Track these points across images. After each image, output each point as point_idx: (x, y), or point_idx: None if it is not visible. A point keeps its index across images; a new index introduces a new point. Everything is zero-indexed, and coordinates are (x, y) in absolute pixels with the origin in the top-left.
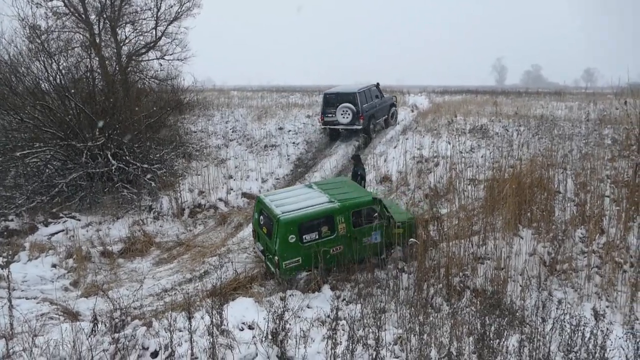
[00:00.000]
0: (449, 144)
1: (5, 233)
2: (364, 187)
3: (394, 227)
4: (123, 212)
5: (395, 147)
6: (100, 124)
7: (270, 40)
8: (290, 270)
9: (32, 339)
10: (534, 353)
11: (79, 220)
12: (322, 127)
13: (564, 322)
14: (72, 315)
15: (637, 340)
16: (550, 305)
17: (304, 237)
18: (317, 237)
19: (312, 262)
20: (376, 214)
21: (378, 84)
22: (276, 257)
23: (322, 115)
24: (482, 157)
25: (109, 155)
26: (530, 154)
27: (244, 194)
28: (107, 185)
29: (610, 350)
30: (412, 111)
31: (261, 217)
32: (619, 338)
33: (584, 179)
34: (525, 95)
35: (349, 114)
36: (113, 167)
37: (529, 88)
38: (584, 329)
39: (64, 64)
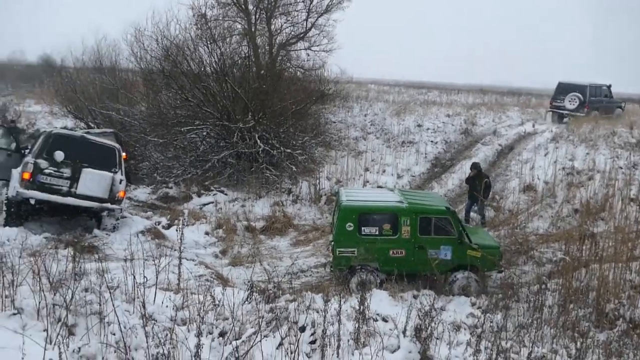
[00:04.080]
0: (610, 157)
1: (165, 199)
2: (488, 197)
3: (468, 247)
4: (265, 192)
5: (545, 155)
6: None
7: (398, 38)
8: (343, 260)
9: (205, 295)
10: None
11: (226, 194)
12: (549, 110)
13: None
14: (224, 281)
15: None
16: None
17: (362, 228)
18: (377, 232)
19: (368, 257)
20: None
21: (610, 85)
22: (332, 242)
23: (551, 100)
24: None
25: (256, 138)
26: None
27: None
28: (252, 165)
29: None
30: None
31: (336, 208)
32: None
33: None
34: None
35: (576, 102)
36: (260, 149)
37: None
38: None
39: (225, 50)
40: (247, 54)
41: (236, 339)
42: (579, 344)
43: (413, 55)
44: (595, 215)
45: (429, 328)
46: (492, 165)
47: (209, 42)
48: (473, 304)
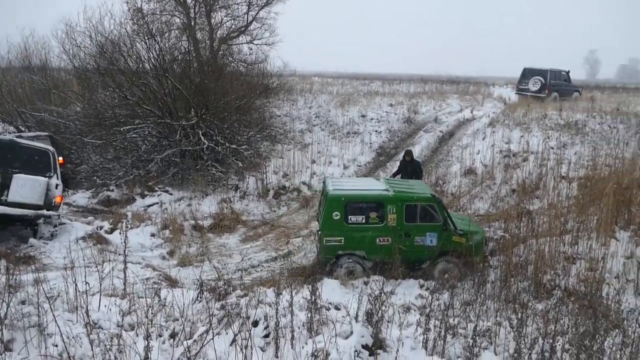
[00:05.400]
0: (541, 139)
1: (107, 202)
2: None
3: (453, 234)
4: (212, 189)
5: (483, 139)
6: (194, 104)
7: (341, 31)
8: (330, 249)
9: (152, 298)
10: (634, 357)
11: (172, 194)
12: (516, 92)
13: None
14: (173, 282)
15: None
16: None
17: (349, 217)
18: (363, 221)
19: (355, 246)
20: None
21: (568, 71)
22: (319, 232)
23: (517, 83)
24: (575, 154)
25: (200, 134)
26: (631, 153)
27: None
28: (197, 163)
29: None
30: (505, 103)
31: (322, 198)
32: None
33: None
34: (623, 90)
35: (538, 84)
36: (204, 146)
37: (626, 83)
38: None
39: (164, 46)
40: (187, 49)
41: (188, 339)
42: (520, 314)
43: (356, 47)
44: (531, 193)
45: (380, 312)
46: (435, 152)
47: (146, 38)
48: (421, 286)
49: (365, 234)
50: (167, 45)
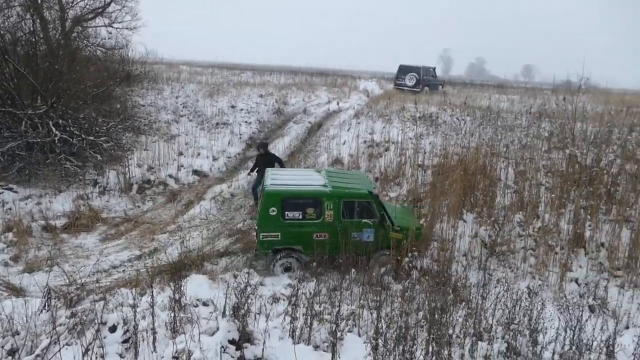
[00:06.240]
0: (401, 130)
1: None
2: None
3: (390, 230)
4: (66, 186)
5: (349, 130)
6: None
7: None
8: (267, 244)
9: None
10: (477, 326)
11: (17, 192)
12: (394, 87)
13: (506, 298)
14: (16, 291)
15: (567, 315)
16: (490, 284)
17: (286, 213)
18: (300, 217)
19: (292, 241)
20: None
21: (435, 67)
22: (255, 227)
23: (395, 79)
24: (430, 143)
25: (51, 125)
26: (476, 142)
27: (195, 172)
28: (48, 156)
29: (546, 322)
30: (367, 96)
31: (261, 190)
32: (551, 313)
33: (523, 168)
34: (471, 86)
35: (414, 80)
36: (55, 138)
37: (474, 80)
38: (521, 303)
39: (3, 24)
40: (31, 29)
41: (30, 355)
42: (379, 296)
43: (228, 37)
44: (392, 181)
45: (246, 305)
46: (304, 142)
47: None
48: (290, 276)
49: (302, 230)
50: (6, 23)
